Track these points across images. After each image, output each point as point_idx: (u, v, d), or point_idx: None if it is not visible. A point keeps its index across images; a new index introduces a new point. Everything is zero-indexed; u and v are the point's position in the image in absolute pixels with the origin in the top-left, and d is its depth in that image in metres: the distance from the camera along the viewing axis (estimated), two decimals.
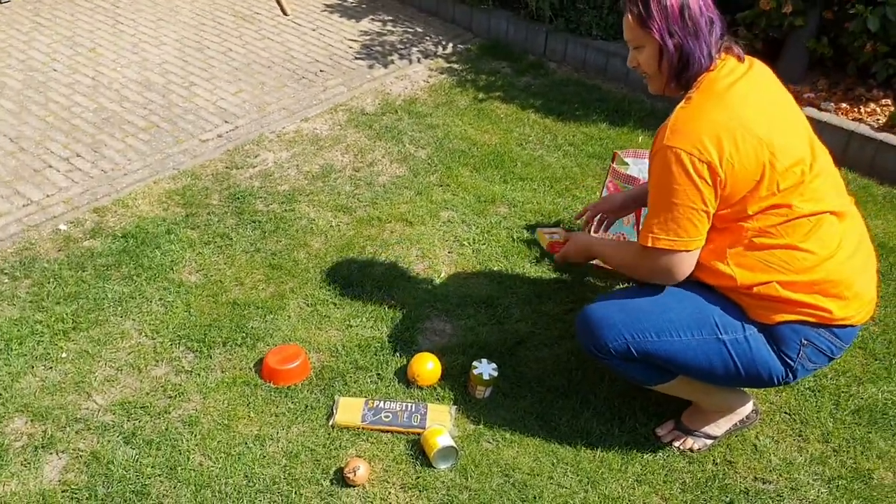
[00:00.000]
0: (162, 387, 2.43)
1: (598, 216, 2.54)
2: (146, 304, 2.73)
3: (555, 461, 2.22)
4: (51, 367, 2.48)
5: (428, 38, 4.82)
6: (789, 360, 1.95)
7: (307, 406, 2.36)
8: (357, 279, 2.85)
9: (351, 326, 2.65)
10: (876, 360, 2.57)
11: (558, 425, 2.32)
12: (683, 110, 1.88)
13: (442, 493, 2.12)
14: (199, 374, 2.46)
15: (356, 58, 4.56)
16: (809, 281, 1.89)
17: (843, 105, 3.72)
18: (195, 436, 2.26)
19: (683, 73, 1.91)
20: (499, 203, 3.29)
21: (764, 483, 2.19)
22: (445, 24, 5.01)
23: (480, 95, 4.15)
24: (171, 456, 2.20)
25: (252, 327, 2.64)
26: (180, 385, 2.43)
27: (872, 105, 3.70)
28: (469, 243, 3.06)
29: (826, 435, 2.32)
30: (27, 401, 2.36)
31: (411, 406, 2.33)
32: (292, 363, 2.42)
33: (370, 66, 4.46)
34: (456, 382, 2.45)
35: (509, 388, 2.43)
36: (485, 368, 2.37)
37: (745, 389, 2.27)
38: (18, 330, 2.60)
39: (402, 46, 4.70)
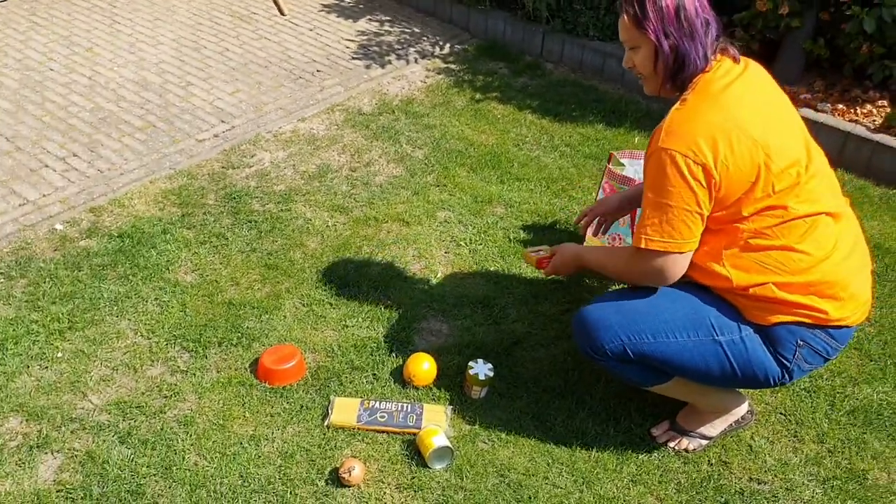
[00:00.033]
0: (157, 387, 2.42)
1: (597, 219, 2.55)
2: (142, 304, 2.73)
3: (550, 461, 2.22)
4: (46, 367, 2.48)
5: (425, 38, 4.82)
6: (785, 361, 1.96)
7: (302, 406, 2.36)
8: (353, 279, 2.85)
9: (347, 326, 2.65)
10: (871, 360, 2.57)
11: (554, 426, 2.32)
12: (678, 112, 1.88)
13: (437, 493, 2.12)
14: (194, 374, 2.46)
15: (353, 58, 4.56)
16: (805, 282, 1.89)
17: (840, 106, 3.72)
18: (190, 436, 2.26)
19: (679, 74, 1.91)
20: (495, 203, 3.29)
21: (759, 483, 2.19)
22: (443, 24, 5.01)
23: (477, 96, 4.15)
24: (167, 456, 2.20)
25: (247, 327, 2.63)
26: (176, 385, 2.43)
27: (869, 106, 3.70)
28: (466, 243, 3.06)
29: (821, 435, 2.32)
30: (22, 400, 2.36)
31: (407, 406, 2.33)
32: (288, 363, 2.42)
33: (367, 67, 4.46)
34: (452, 383, 2.45)
35: (505, 389, 2.43)
36: (481, 369, 2.37)
37: (741, 390, 2.28)
38: (14, 329, 2.60)
39: (399, 47, 4.70)
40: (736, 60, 1.95)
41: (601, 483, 2.16)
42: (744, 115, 1.84)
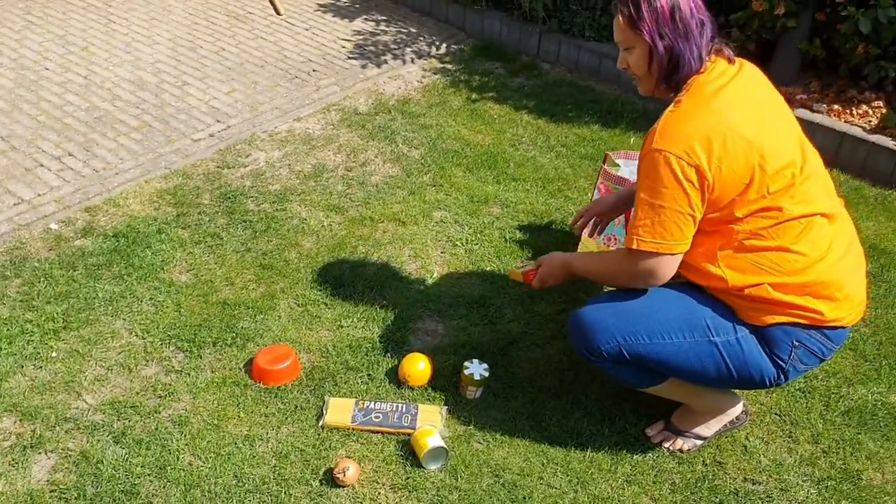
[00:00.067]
0: (152, 386, 2.42)
1: (593, 220, 2.55)
2: (137, 304, 2.72)
3: (545, 461, 2.22)
4: (40, 367, 2.48)
5: (421, 38, 4.82)
6: (781, 362, 1.96)
7: (297, 406, 2.35)
8: (348, 279, 2.84)
9: (342, 327, 2.65)
10: (866, 361, 2.57)
11: (549, 426, 2.32)
12: (672, 114, 1.88)
13: (432, 493, 2.12)
14: (189, 374, 2.46)
15: (349, 57, 4.55)
16: (800, 283, 1.89)
17: (836, 107, 3.73)
18: (185, 435, 2.26)
19: (673, 75, 1.90)
20: (492, 203, 3.29)
21: (754, 484, 2.19)
22: (439, 24, 5.01)
23: (474, 96, 4.15)
24: (161, 455, 2.19)
25: (242, 327, 2.63)
26: (170, 385, 2.42)
27: (864, 107, 3.71)
28: (462, 243, 3.06)
29: (816, 436, 2.32)
30: (16, 400, 2.35)
31: (402, 407, 2.32)
32: (282, 363, 2.42)
33: (363, 66, 4.46)
34: (447, 383, 2.45)
35: (501, 389, 2.43)
36: (476, 369, 2.37)
37: (736, 391, 2.28)
38: (8, 329, 2.59)
39: (395, 46, 4.69)
40: (731, 61, 1.95)
41: (596, 483, 2.16)
42: (738, 116, 1.84)
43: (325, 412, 2.31)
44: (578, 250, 2.82)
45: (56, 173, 3.44)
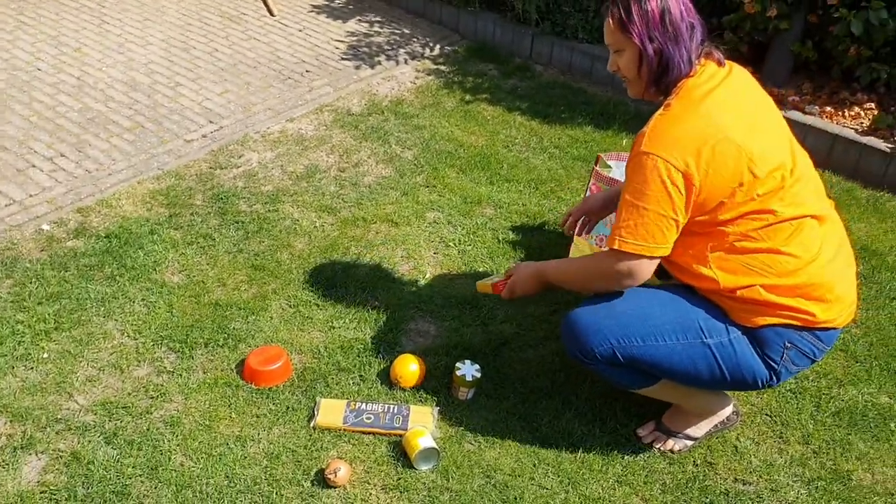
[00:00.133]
0: (144, 387, 2.42)
1: (582, 219, 2.55)
2: (129, 305, 2.72)
3: (536, 462, 2.22)
4: (32, 368, 2.47)
5: (415, 39, 4.82)
6: (773, 363, 1.96)
7: (288, 407, 2.35)
8: (341, 280, 2.84)
9: (334, 328, 2.64)
10: (857, 362, 2.58)
11: (540, 426, 2.32)
12: (662, 117, 1.88)
13: (423, 494, 2.12)
14: (180, 375, 2.45)
15: (343, 58, 4.55)
16: (792, 284, 1.90)
17: (828, 108, 3.74)
18: (176, 436, 2.25)
19: (663, 78, 1.90)
20: (485, 204, 3.29)
21: (744, 484, 2.20)
22: (432, 25, 5.02)
23: (467, 97, 4.16)
24: (153, 456, 2.19)
25: (234, 328, 2.63)
26: (162, 385, 2.42)
27: (856, 108, 3.72)
28: (454, 244, 3.07)
29: (806, 436, 2.33)
30: (7, 401, 2.35)
31: (394, 408, 2.32)
32: (274, 364, 2.42)
33: (357, 67, 4.46)
34: (439, 384, 2.45)
35: (492, 390, 2.44)
36: (468, 370, 2.37)
37: (727, 392, 2.28)
38: None
39: (388, 47, 4.70)
40: (720, 64, 1.95)
41: (587, 483, 2.16)
42: (727, 120, 1.84)
43: (316, 413, 2.31)
44: (571, 251, 2.83)
45: (48, 174, 3.43)
